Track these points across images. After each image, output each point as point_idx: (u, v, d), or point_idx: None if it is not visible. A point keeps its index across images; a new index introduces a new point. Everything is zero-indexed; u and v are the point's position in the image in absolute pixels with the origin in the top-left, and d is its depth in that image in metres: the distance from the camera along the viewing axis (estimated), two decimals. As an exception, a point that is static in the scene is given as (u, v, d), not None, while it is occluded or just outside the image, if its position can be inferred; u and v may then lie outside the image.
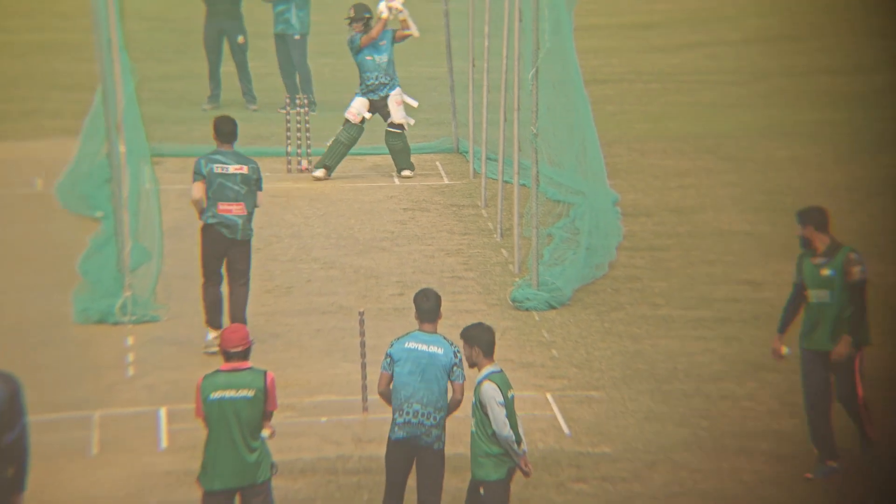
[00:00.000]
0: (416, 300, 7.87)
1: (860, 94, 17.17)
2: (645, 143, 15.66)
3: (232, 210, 10.36)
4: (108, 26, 10.82)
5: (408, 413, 7.66)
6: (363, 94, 14.08)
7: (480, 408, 7.48)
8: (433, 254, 12.41)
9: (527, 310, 11.11)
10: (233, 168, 10.36)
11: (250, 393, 7.34)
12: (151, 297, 11.10)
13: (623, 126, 16.23)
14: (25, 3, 22.13)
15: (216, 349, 9.98)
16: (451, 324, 10.81)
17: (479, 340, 7.58)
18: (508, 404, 7.49)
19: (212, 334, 10.45)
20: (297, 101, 14.69)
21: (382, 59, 13.99)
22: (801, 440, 8.73)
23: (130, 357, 10.47)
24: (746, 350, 10.32)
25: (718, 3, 22.65)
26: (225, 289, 10.48)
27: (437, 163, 15.02)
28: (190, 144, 15.04)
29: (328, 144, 14.29)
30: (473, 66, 14.36)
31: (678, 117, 16.74)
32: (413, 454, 7.72)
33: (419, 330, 7.82)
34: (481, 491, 7.53)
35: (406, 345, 7.77)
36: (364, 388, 9.48)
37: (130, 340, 10.73)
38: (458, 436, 8.29)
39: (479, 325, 7.73)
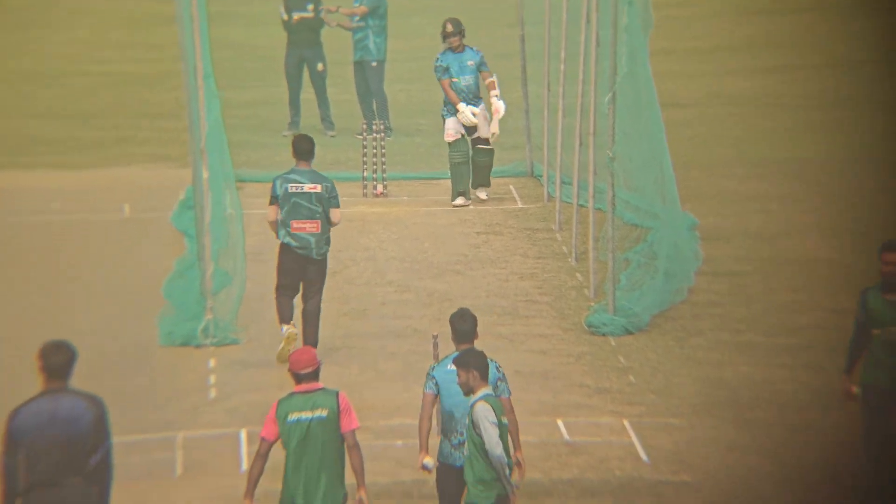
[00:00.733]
0: (452, 322, 7.79)
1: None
2: (724, 167, 15.55)
3: (306, 228, 10.48)
4: (194, 55, 10.96)
5: (464, 434, 7.53)
6: (451, 114, 14.10)
7: (473, 428, 7.41)
8: (507, 277, 12.39)
9: (603, 335, 11.01)
10: (307, 187, 10.49)
11: (324, 413, 7.35)
12: (233, 321, 11.18)
13: (702, 150, 16.11)
14: (120, 36, 22.63)
15: (293, 331, 10.20)
16: (527, 349, 10.80)
17: (477, 365, 7.48)
18: (501, 429, 7.41)
19: (285, 327, 10.56)
20: (374, 127, 14.79)
21: (468, 80, 14.01)
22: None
23: (212, 379, 10.56)
24: (832, 379, 10.10)
25: (797, 27, 22.46)
26: (299, 305, 10.58)
27: (511, 186, 15.03)
28: (271, 170, 15.25)
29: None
30: (549, 90, 14.36)
31: (758, 142, 16.58)
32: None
33: (458, 352, 7.71)
34: None
35: (448, 367, 7.67)
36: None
37: (212, 363, 10.82)
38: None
39: (472, 350, 7.65)
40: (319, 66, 16.63)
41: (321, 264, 10.57)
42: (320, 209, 10.48)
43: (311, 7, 16.55)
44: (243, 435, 9.56)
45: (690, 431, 9.47)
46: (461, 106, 13.87)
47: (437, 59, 14.13)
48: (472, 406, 7.45)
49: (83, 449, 6.71)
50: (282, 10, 16.66)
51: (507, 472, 7.40)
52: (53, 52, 21.15)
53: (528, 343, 10.54)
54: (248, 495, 7.39)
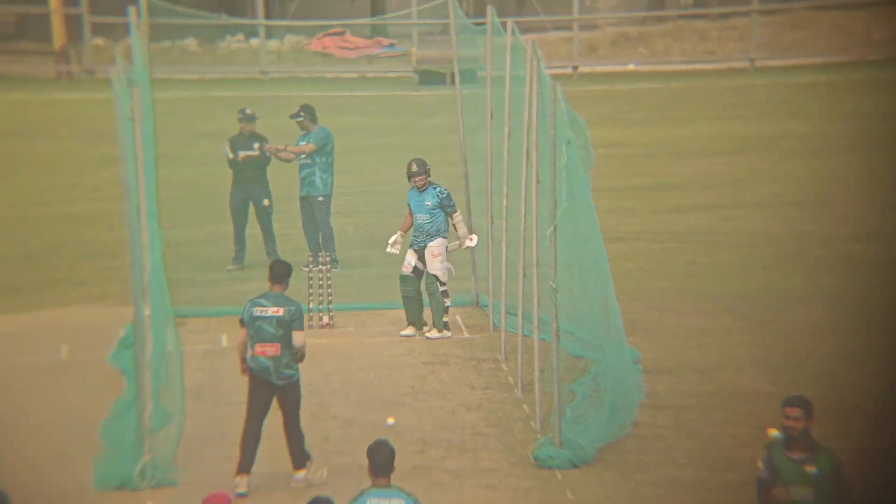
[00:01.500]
0: (369, 453, 7.74)
1: (870, 261, 17.33)
2: (664, 301, 15.80)
3: (266, 352, 10.51)
4: (138, 194, 11.01)
5: None
6: (410, 246, 14.38)
7: None
8: (454, 409, 12.40)
9: (549, 468, 11.04)
10: (271, 310, 10.62)
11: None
12: (171, 461, 11.00)
13: (642, 284, 16.36)
14: (61, 179, 22.73)
15: (244, 490, 10.04)
16: (474, 484, 10.77)
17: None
18: None
19: (238, 481, 10.43)
20: (320, 259, 14.89)
21: (423, 217, 14.34)
22: None
23: (149, 525, 10.37)
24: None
25: (729, 168, 23.04)
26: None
27: (458, 316, 15.13)
28: (213, 305, 15.37)
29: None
30: (492, 223, 14.58)
31: (696, 277, 16.90)
32: None
33: (374, 486, 7.63)
34: None
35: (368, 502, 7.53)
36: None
37: (149, 506, 10.64)
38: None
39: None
40: (266, 202, 16.92)
41: (287, 390, 10.55)
42: (281, 332, 10.54)
43: (256, 146, 16.83)
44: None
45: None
46: (391, 239, 14.31)
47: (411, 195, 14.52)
48: None
49: None
50: (227, 149, 16.96)
51: None
52: None
53: (476, 478, 10.52)
54: None
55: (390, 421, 10.49)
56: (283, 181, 17.93)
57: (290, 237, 17.59)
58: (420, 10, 34.95)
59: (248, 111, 17.04)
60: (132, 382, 12.16)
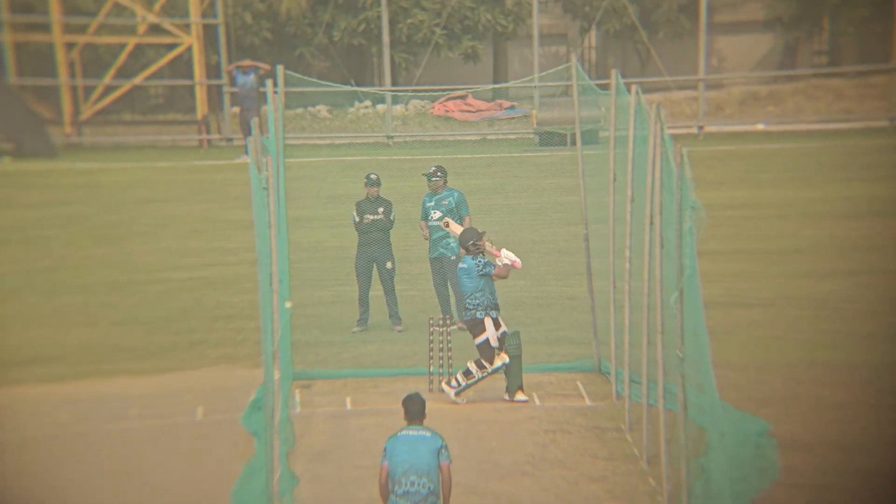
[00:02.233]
0: (404, 403, 9.46)
1: None
2: (799, 371, 15.06)
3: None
4: (269, 259, 10.90)
5: (405, 484, 9.02)
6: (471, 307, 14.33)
7: None
8: (576, 480, 11.87)
9: (680, 546, 10.48)
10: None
11: None
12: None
13: (775, 352, 15.67)
14: (199, 242, 23.42)
15: None
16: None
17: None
18: None
19: None
20: (448, 321, 14.69)
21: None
22: None
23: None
24: None
25: (866, 232, 22.19)
26: None
27: (579, 383, 14.62)
28: (339, 368, 15.40)
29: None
30: (614, 287, 14.07)
31: (833, 346, 16.13)
32: None
33: (409, 426, 9.34)
34: None
35: (398, 435, 9.36)
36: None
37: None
38: None
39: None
40: (388, 265, 17.05)
41: None
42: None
43: (381, 210, 17.01)
44: None
45: None
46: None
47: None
48: None
49: None
50: (354, 213, 17.14)
51: None
52: (138, 263, 21.83)
53: (600, 553, 9.94)
54: None
55: None
56: (403, 243, 17.93)
57: (411, 299, 17.59)
58: (541, 75, 35.02)
59: (373, 176, 17.20)
60: (262, 445, 12.14)
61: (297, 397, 12.24)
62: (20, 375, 15.74)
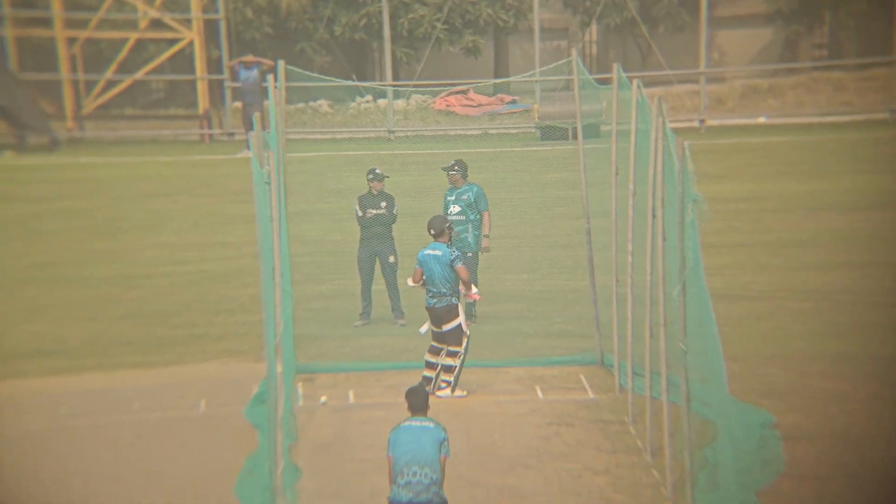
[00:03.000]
0: (407, 396, 9.71)
1: None
2: (803, 363, 15.04)
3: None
4: (271, 255, 10.88)
5: (408, 475, 9.21)
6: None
7: None
8: (580, 473, 11.86)
9: (684, 537, 10.48)
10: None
11: None
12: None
13: (779, 344, 15.66)
14: (200, 236, 23.35)
15: None
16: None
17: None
18: None
19: None
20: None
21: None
22: None
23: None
24: None
25: (868, 224, 22.16)
26: None
27: (581, 376, 14.61)
28: (341, 361, 15.38)
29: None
30: (617, 281, 14.06)
31: (837, 337, 16.11)
32: None
33: (412, 417, 9.55)
34: None
35: (401, 425, 9.54)
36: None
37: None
38: None
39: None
40: (391, 258, 17.08)
41: None
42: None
43: (384, 204, 17.03)
44: None
45: None
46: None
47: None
48: None
49: None
50: (357, 207, 17.15)
51: None
52: (140, 257, 21.80)
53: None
54: None
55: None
56: (405, 237, 17.90)
57: (413, 293, 17.46)
58: (542, 69, 35.02)
59: (377, 171, 17.22)
60: (265, 438, 12.14)
61: (300, 391, 12.21)
62: (22, 369, 15.72)
